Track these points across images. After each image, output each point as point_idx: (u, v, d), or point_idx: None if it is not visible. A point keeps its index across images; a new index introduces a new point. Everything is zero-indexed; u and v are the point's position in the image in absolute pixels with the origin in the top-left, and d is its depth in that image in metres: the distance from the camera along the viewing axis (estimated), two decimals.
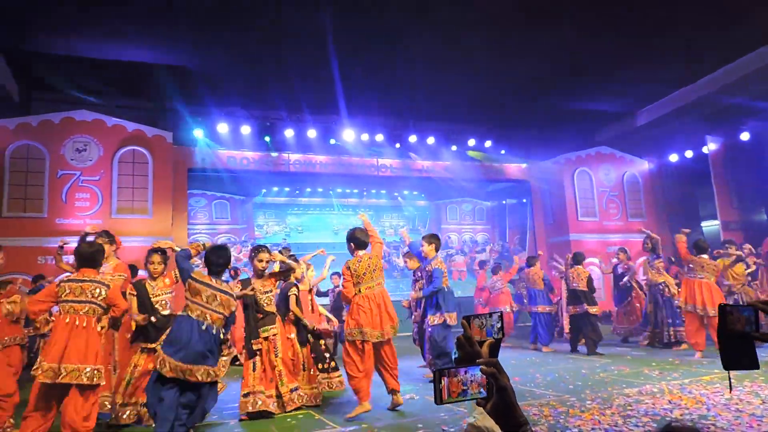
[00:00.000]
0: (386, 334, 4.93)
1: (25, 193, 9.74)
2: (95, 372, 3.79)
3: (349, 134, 11.97)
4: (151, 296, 4.78)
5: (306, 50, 9.63)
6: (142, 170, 10.48)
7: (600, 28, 9.38)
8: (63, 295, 3.89)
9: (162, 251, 4.97)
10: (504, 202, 17.56)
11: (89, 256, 4.13)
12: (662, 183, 14.83)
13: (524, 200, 15.65)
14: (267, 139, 11.79)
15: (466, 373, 1.09)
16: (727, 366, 1.33)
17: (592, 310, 8.33)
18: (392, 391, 4.96)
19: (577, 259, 8.85)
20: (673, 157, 14.11)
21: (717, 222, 12.87)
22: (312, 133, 11.92)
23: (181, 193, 11.33)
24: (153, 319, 4.69)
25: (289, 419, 4.81)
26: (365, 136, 12.30)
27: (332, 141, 12.25)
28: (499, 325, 1.25)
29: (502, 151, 13.95)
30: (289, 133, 11.83)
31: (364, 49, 9.84)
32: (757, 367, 1.29)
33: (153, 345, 4.58)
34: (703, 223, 14.94)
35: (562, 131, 14.13)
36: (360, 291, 4.96)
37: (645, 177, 14.83)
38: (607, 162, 14.48)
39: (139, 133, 10.61)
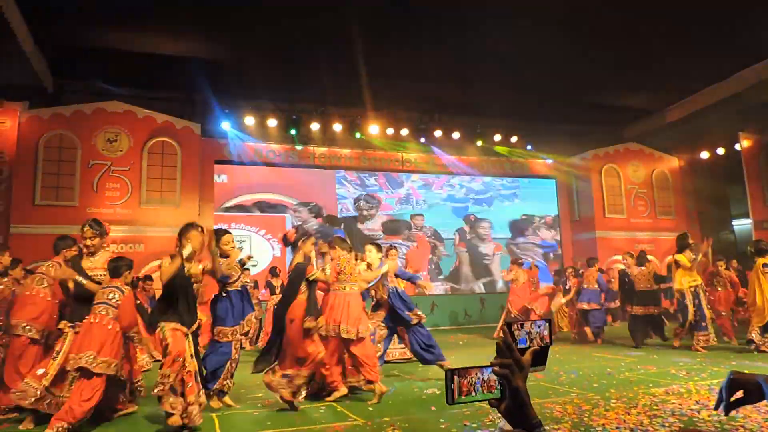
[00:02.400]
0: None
1: (57, 181, 9.98)
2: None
3: (374, 128, 11.97)
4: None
5: (333, 44, 9.66)
6: (170, 161, 10.65)
7: (631, 23, 9.22)
8: None
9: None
10: None
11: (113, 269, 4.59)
12: (693, 180, 14.53)
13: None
14: (293, 131, 11.87)
15: (478, 373, 1.09)
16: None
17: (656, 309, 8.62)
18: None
19: (640, 260, 8.96)
20: (705, 154, 13.80)
21: (749, 221, 12.56)
22: (337, 127, 11.96)
23: (208, 184, 11.48)
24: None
25: (312, 411, 4.86)
26: (390, 130, 12.29)
27: (357, 134, 12.27)
28: (546, 332, 1.23)
29: (528, 147, 13.80)
30: (314, 126, 11.89)
31: (391, 43, 9.83)
32: None
33: None
34: (735, 222, 14.62)
35: (590, 127, 13.93)
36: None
37: (675, 174, 14.55)
38: (635, 158, 14.23)
39: (169, 124, 10.78)
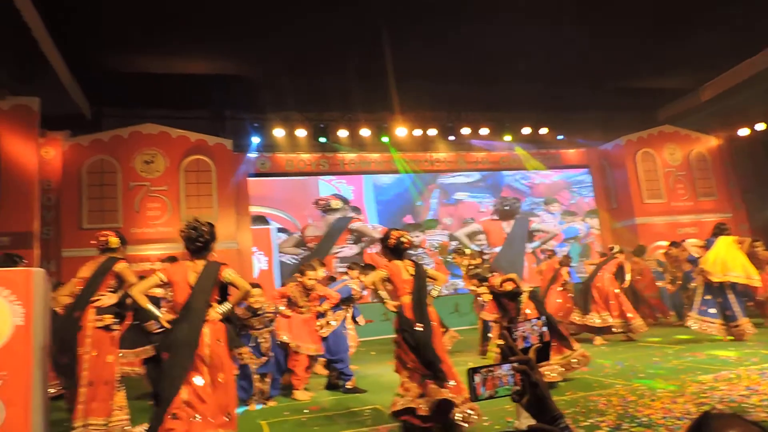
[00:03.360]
0: None
1: (101, 205, 10.38)
2: None
3: (401, 131, 12.03)
4: None
5: (356, 50, 9.76)
6: (206, 178, 10.94)
7: (658, 1, 9.01)
8: None
9: None
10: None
11: None
12: (733, 159, 14.08)
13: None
14: (322, 140, 12.02)
15: (499, 370, 1.14)
16: None
17: None
18: None
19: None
20: (744, 131, 13.35)
21: None
22: (365, 132, 12.05)
23: (243, 198, 11.74)
24: None
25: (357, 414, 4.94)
26: (418, 131, 12.32)
27: (384, 138, 12.33)
28: (545, 329, 1.28)
29: (560, 137, 13.61)
30: (342, 133, 12.01)
31: (414, 43, 9.85)
32: None
33: None
34: None
35: (622, 112, 13.66)
36: None
37: (714, 154, 14.12)
38: (671, 141, 13.87)
39: (202, 142, 11.07)
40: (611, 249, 9.32)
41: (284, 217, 12.31)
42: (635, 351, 7.16)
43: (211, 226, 3.86)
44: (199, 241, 3.75)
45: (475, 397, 1.14)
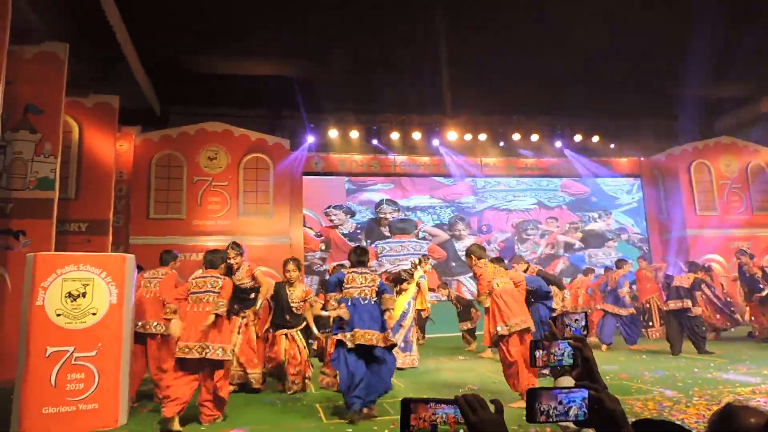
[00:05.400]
0: None
1: (167, 197, 11.09)
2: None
3: (452, 134, 12.29)
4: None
5: (413, 53, 10.09)
6: (263, 175, 11.51)
7: (716, 7, 8.93)
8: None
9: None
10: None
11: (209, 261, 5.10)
12: None
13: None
14: (375, 141, 12.42)
15: (556, 348, 1.43)
16: None
17: None
18: None
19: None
20: None
21: None
22: (416, 135, 12.38)
23: (297, 196, 12.27)
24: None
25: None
26: (468, 136, 12.55)
27: (435, 142, 12.64)
28: (583, 323, 1.57)
29: (612, 146, 13.57)
30: (394, 135, 12.38)
31: (467, 47, 10.08)
32: None
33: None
34: None
35: (677, 121, 13.47)
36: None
37: None
38: (728, 152, 13.59)
39: (261, 141, 11.65)
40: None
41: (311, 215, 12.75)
42: (677, 361, 7.23)
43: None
44: None
45: (534, 364, 1.43)
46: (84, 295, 4.43)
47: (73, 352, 4.32)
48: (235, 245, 6.05)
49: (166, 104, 12.07)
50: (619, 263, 9.33)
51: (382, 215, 12.99)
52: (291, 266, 6.16)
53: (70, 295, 4.39)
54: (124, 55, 8.86)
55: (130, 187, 10.97)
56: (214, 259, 5.15)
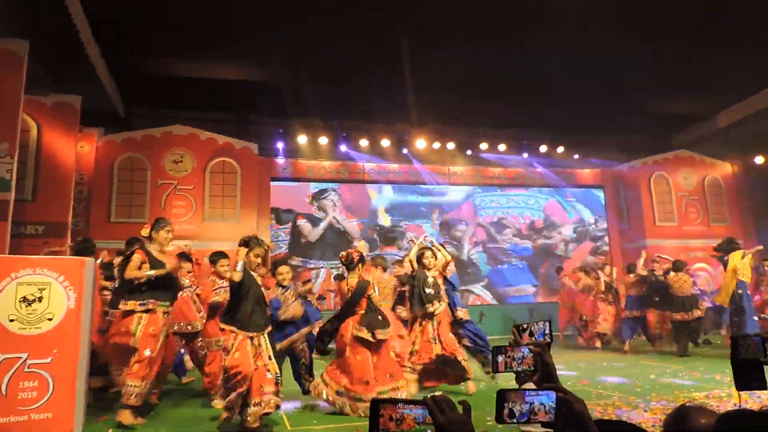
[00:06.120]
0: None
1: (130, 200, 10.84)
2: None
3: (420, 143, 12.38)
4: None
5: (381, 63, 10.13)
6: (231, 180, 11.37)
7: (680, 27, 9.25)
8: None
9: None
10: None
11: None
12: (748, 186, 14.24)
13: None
14: (343, 148, 12.42)
15: (518, 351, 1.46)
16: (740, 388, 1.59)
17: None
18: None
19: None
20: (759, 159, 13.52)
21: None
22: (385, 143, 12.43)
23: (264, 201, 12.16)
24: None
25: None
26: (436, 144, 12.66)
27: (404, 150, 12.71)
28: (547, 330, 1.61)
29: (575, 156, 13.89)
30: (363, 142, 12.40)
31: (437, 59, 10.20)
32: (765, 388, 1.55)
33: None
34: None
35: (638, 135, 13.89)
36: None
37: (728, 180, 14.30)
38: (686, 165, 14.09)
39: (229, 145, 11.52)
40: None
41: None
42: (636, 369, 7.41)
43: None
44: None
45: (495, 370, 1.46)
46: (40, 299, 4.28)
47: (26, 359, 4.16)
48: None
49: (131, 106, 11.83)
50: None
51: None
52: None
53: (24, 299, 4.24)
54: (88, 54, 8.65)
55: (90, 189, 10.69)
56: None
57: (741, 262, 8.17)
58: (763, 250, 9.27)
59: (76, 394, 4.25)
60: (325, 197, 12.90)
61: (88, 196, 10.70)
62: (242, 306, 4.50)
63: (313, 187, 12.90)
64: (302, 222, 12.68)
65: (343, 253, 5.51)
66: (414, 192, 13.48)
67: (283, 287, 5.66)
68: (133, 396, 4.56)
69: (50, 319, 4.29)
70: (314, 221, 12.76)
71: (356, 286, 5.34)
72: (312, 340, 5.72)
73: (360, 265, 5.46)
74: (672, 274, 8.93)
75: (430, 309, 5.80)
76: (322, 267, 12.55)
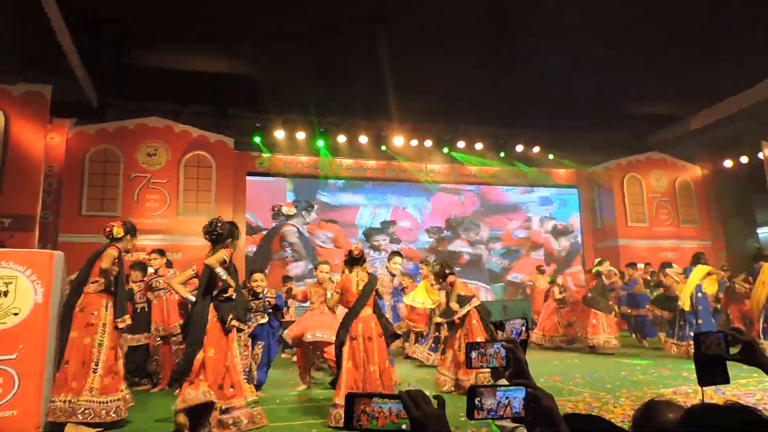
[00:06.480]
0: None
1: (102, 193, 10.62)
2: None
3: (398, 140, 12.39)
4: None
5: (360, 58, 10.11)
6: (205, 174, 11.22)
7: (654, 31, 9.40)
8: None
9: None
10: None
11: None
12: (717, 189, 14.58)
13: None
14: (321, 143, 12.36)
15: (491, 348, 1.48)
16: (703, 383, 1.62)
17: None
18: None
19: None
20: (728, 163, 13.85)
21: None
22: (363, 139, 12.40)
23: (240, 196, 12.04)
24: None
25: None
26: (414, 142, 12.68)
27: (383, 147, 12.70)
28: (523, 328, 1.63)
29: (550, 156, 14.04)
30: (341, 138, 12.35)
31: (417, 56, 10.21)
32: (728, 382, 1.59)
33: None
34: (760, 230, 14.62)
35: (612, 136, 14.10)
36: None
37: (698, 183, 14.62)
38: (658, 167, 14.36)
39: (203, 138, 11.36)
40: None
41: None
42: (607, 366, 7.54)
43: (231, 224, 4.55)
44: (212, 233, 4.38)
45: (470, 365, 1.47)
46: (6, 293, 4.17)
47: None
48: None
49: (105, 97, 11.56)
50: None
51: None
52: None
53: None
54: (60, 43, 8.44)
55: (61, 181, 10.44)
56: None
57: (707, 278, 8.33)
58: (726, 266, 9.63)
59: (42, 390, 4.15)
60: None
61: (58, 188, 10.45)
62: None
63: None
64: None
65: (357, 246, 5.33)
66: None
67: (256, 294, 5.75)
68: None
69: (16, 314, 4.18)
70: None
71: (368, 278, 5.12)
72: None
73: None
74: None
75: None
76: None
